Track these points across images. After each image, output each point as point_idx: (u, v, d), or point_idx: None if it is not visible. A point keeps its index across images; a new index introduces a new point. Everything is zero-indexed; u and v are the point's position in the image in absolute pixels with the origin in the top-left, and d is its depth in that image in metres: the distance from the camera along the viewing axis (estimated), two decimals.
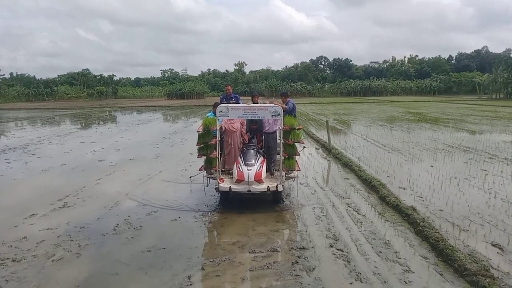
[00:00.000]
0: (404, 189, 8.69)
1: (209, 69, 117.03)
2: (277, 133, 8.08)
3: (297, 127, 7.68)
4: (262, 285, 4.76)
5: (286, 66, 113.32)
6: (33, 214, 7.48)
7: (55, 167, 12.02)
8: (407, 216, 6.80)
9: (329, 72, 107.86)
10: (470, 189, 8.66)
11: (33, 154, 14.52)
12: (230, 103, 8.23)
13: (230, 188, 7.32)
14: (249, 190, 7.32)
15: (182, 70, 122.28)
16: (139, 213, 7.50)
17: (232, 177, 7.65)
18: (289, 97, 8.63)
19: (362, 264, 5.25)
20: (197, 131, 7.62)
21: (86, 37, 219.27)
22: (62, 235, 6.46)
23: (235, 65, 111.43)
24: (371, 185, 8.88)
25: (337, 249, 5.73)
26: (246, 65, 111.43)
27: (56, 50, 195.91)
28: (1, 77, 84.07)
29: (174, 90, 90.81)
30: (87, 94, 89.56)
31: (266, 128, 8.32)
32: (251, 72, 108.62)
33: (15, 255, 5.70)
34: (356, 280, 4.85)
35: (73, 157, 13.88)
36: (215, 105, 7.88)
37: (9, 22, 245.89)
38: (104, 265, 5.39)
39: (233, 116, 7.53)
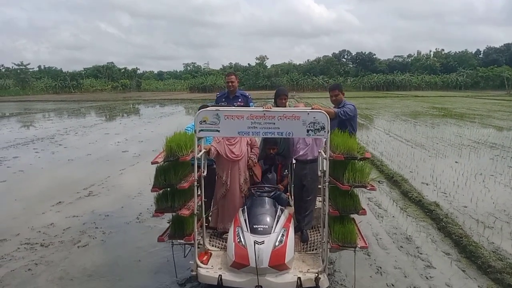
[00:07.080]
0: (427, 184, 8.54)
1: (230, 62, 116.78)
2: (319, 162, 4.12)
3: (359, 156, 3.92)
4: None
5: (308, 60, 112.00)
6: (59, 202, 7.73)
7: (80, 157, 12.35)
8: (429, 212, 6.70)
9: (351, 66, 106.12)
10: (496, 186, 8.44)
11: (59, 145, 14.97)
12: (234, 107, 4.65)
13: (220, 278, 3.84)
14: (259, 286, 3.73)
15: (204, 63, 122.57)
16: None
17: (225, 250, 4.21)
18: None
19: (383, 258, 5.22)
20: (153, 162, 4.02)
21: (107, 31, 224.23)
22: (88, 222, 6.67)
23: (257, 58, 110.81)
24: (393, 180, 8.77)
25: None
26: (267, 58, 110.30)
27: (78, 43, 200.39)
28: (31, 70, 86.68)
29: (196, 84, 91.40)
30: (112, 87, 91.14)
31: (300, 153, 4.87)
32: (273, 66, 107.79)
33: (43, 240, 5.93)
34: (376, 273, 4.83)
35: (97, 147, 14.24)
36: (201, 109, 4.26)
37: (31, 14, 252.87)
38: (127, 252, 5.54)
39: (230, 132, 4.02)
